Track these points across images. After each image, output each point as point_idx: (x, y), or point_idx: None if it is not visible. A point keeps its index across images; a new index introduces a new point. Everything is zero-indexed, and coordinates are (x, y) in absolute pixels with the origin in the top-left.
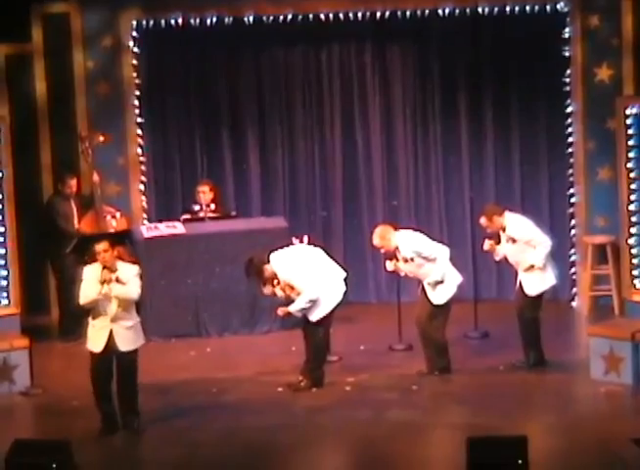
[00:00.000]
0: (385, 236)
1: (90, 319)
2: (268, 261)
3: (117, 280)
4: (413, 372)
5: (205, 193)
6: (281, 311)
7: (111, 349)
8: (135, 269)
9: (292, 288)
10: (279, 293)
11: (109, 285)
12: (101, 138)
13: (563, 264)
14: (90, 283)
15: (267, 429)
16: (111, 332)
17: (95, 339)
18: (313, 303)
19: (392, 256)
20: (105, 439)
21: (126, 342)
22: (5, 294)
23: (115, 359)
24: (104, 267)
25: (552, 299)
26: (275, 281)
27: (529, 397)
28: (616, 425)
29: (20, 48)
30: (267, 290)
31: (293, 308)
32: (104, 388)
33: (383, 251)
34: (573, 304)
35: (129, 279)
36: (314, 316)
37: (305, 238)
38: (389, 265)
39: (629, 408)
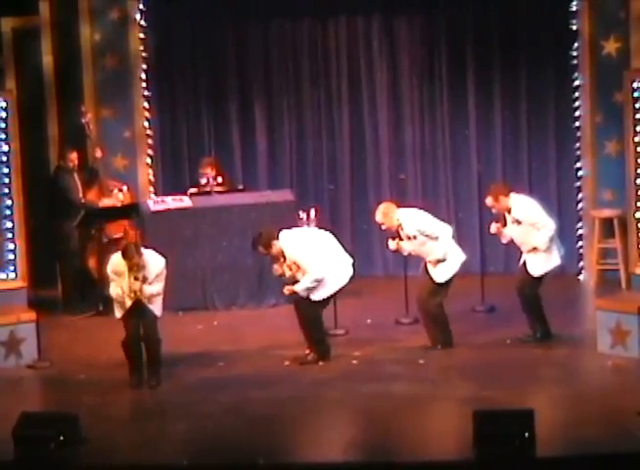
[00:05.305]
0: (387, 213)
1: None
2: (277, 238)
3: (144, 279)
4: (420, 346)
5: (207, 174)
6: (287, 290)
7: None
8: (162, 263)
9: (297, 267)
10: (287, 272)
11: (140, 292)
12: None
13: (570, 238)
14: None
15: (274, 402)
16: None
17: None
18: (319, 282)
19: (395, 234)
20: (111, 412)
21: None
22: (12, 267)
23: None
24: (130, 269)
25: (559, 272)
26: (282, 259)
27: (536, 370)
28: (622, 398)
29: (27, 21)
30: (277, 269)
31: (298, 288)
32: (135, 341)
33: (384, 227)
34: (580, 277)
35: (157, 277)
36: (317, 296)
37: (312, 211)
38: (392, 244)
39: (636, 381)
